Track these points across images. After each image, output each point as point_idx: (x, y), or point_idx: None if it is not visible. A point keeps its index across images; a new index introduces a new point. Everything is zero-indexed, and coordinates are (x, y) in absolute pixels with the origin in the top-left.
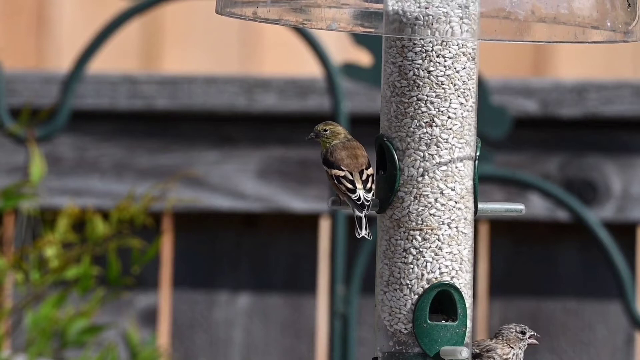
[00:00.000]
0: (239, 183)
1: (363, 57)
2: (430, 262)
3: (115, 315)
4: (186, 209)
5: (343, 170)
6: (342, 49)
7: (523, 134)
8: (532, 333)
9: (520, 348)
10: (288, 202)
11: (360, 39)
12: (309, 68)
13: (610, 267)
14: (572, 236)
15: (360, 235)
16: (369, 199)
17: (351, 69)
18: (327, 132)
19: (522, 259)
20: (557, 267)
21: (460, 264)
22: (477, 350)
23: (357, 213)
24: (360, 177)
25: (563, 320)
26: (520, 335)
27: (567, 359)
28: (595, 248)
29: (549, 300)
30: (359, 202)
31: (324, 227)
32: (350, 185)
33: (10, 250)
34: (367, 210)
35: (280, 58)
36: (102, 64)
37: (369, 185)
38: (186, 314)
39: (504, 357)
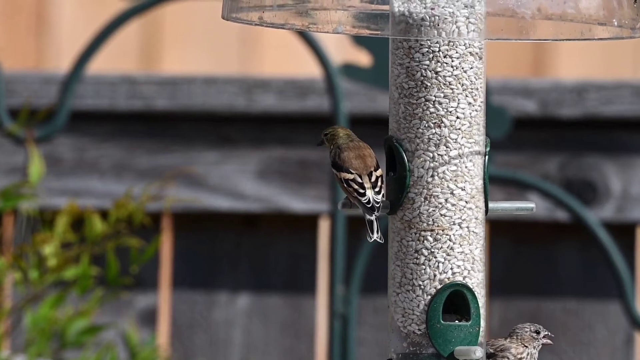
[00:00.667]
0: (239, 183)
1: (362, 58)
2: (442, 263)
3: (115, 315)
4: (185, 209)
5: (352, 173)
6: (342, 49)
7: (523, 134)
8: (546, 333)
9: (535, 348)
10: (287, 202)
11: (359, 40)
12: (309, 68)
13: (610, 267)
14: (571, 236)
15: (372, 239)
16: (378, 200)
17: (350, 69)
18: (327, 135)
19: (522, 259)
20: (556, 267)
21: (472, 263)
22: (492, 350)
23: (368, 216)
24: (370, 179)
25: (563, 320)
26: (534, 334)
27: (567, 359)
28: (595, 248)
29: (549, 300)
30: (368, 205)
31: (324, 227)
32: (359, 188)
33: (10, 251)
34: (378, 212)
35: (279, 58)
36: (101, 64)
37: (378, 187)
38: (186, 314)
39: (518, 356)
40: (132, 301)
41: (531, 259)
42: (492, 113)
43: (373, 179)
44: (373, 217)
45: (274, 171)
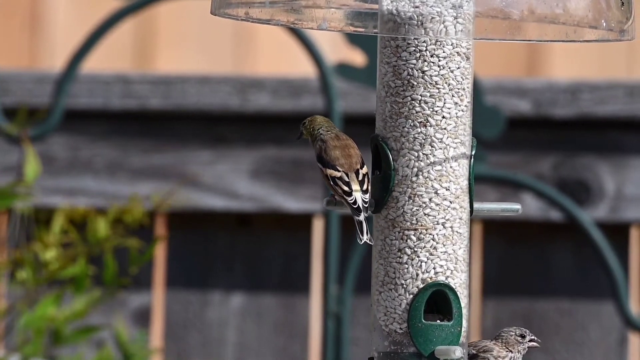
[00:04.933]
0: (233, 183)
1: (357, 57)
2: (425, 262)
3: (108, 314)
4: (180, 209)
5: (339, 171)
6: (336, 49)
7: (516, 134)
8: (532, 337)
9: (519, 352)
10: (281, 202)
11: (354, 39)
12: (303, 68)
13: (604, 267)
14: (565, 236)
15: (362, 241)
16: (366, 200)
17: (345, 69)
18: (305, 124)
19: (515, 259)
20: (550, 267)
21: (455, 263)
22: (474, 351)
23: (356, 217)
24: (357, 178)
25: (556, 320)
26: (519, 338)
27: (561, 359)
28: (589, 248)
29: (542, 300)
30: (355, 206)
31: (318, 227)
32: (346, 188)
33: (4, 251)
34: (366, 213)
35: (273, 58)
36: (95, 63)
37: (365, 186)
38: (179, 313)
39: (500, 359)
40: (126, 300)
41: (524, 259)
42: (486, 113)
43: (360, 177)
44: (362, 218)
45: (268, 171)
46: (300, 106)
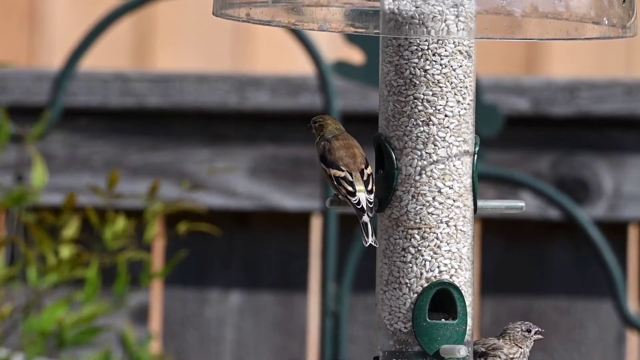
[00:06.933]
0: (231, 181)
1: (355, 55)
2: (429, 261)
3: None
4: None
5: (343, 171)
6: (334, 47)
7: (515, 132)
8: (537, 329)
9: (527, 346)
10: (280, 200)
11: (352, 38)
12: (301, 66)
13: (602, 265)
14: (563, 235)
15: (368, 244)
16: (371, 200)
17: (343, 67)
18: (316, 124)
19: (514, 258)
20: (548, 266)
21: (460, 262)
22: (483, 349)
23: (361, 219)
24: (362, 178)
25: (554, 318)
26: (526, 333)
27: (558, 357)
28: (587, 246)
29: (540, 298)
30: (359, 206)
31: (316, 225)
32: (350, 188)
33: (1, 249)
34: (370, 213)
35: (272, 56)
36: (93, 61)
37: (370, 186)
38: (177, 311)
39: (510, 356)
40: (124, 298)
41: (523, 257)
42: (485, 111)
43: (365, 177)
44: (366, 219)
45: (266, 169)
46: (298, 104)
